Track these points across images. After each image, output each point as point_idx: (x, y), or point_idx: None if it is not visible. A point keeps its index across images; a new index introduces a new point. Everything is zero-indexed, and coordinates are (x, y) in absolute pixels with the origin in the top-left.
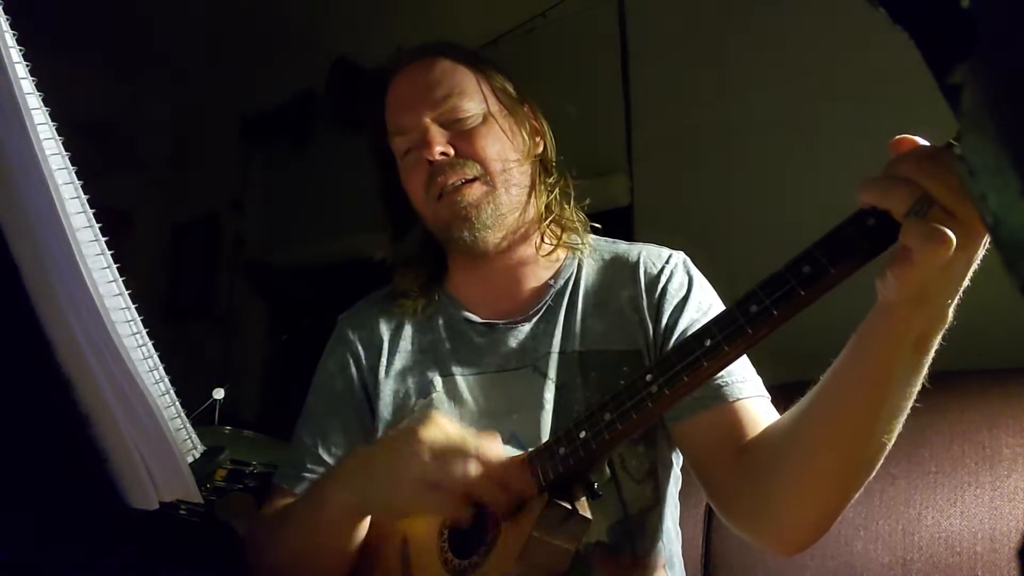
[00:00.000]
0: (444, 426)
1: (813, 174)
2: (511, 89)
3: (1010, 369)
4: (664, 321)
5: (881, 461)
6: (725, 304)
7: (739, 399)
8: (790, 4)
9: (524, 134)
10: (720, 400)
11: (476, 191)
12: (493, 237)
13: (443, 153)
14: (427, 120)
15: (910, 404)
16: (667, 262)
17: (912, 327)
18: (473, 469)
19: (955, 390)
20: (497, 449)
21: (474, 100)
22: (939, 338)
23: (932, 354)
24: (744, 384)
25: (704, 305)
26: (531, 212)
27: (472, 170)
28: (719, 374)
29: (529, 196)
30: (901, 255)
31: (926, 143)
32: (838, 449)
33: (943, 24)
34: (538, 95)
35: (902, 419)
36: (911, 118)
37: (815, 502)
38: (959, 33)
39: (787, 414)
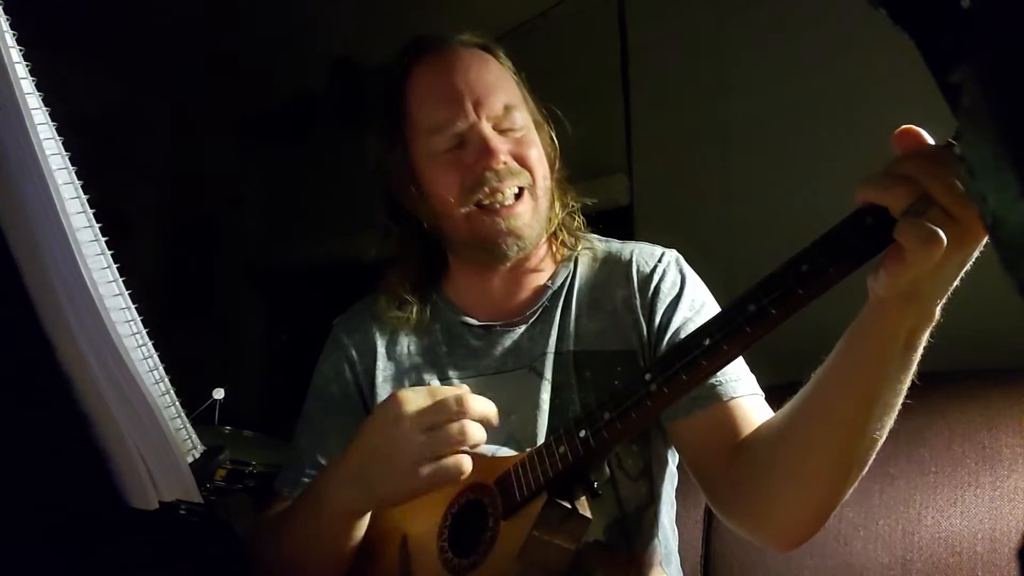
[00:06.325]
0: (415, 397)
1: (812, 174)
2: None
3: (1010, 369)
4: (657, 320)
5: (872, 458)
6: (719, 302)
7: (733, 398)
8: (790, 4)
9: (551, 149)
10: (715, 400)
11: (527, 208)
12: (525, 252)
13: (504, 162)
14: (486, 125)
15: (900, 401)
16: (659, 261)
17: (902, 325)
18: (463, 428)
19: (955, 390)
20: (466, 391)
21: (523, 111)
22: (927, 335)
23: (921, 351)
24: (738, 383)
25: (697, 303)
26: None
27: (524, 180)
28: None
29: (550, 211)
30: (895, 253)
31: (929, 137)
32: (831, 446)
33: (943, 24)
34: (539, 96)
35: (893, 415)
36: (911, 118)
37: (810, 499)
38: (959, 33)
39: (780, 412)
